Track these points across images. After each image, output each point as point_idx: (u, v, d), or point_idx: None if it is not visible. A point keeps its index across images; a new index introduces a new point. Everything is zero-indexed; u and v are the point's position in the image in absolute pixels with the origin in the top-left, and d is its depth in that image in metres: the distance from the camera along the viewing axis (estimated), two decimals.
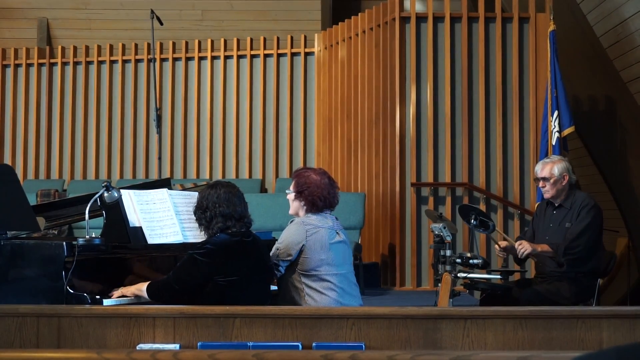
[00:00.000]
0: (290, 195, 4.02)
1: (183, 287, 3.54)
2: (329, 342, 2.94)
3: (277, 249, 3.90)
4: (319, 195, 3.94)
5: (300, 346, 2.93)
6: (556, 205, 4.88)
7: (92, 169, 9.44)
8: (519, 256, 4.73)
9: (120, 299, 3.64)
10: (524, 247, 4.66)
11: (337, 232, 3.97)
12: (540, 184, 4.88)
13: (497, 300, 4.77)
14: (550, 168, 4.83)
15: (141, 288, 3.62)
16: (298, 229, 3.89)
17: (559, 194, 4.84)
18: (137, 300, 3.66)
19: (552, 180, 4.81)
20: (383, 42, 7.79)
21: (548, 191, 4.85)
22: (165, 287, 3.57)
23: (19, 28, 10.25)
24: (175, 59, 9.37)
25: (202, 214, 3.69)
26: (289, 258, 3.86)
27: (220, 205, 3.65)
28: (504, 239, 5.02)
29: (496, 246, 4.97)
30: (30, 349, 3.02)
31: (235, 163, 9.14)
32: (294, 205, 4.01)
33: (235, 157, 9.14)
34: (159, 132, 7.97)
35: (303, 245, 3.84)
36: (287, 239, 3.90)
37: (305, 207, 3.97)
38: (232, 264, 3.57)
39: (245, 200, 3.78)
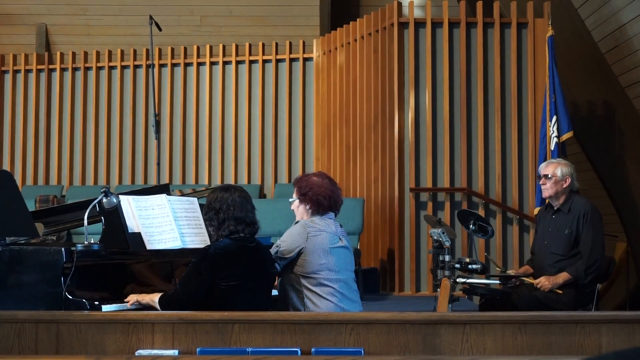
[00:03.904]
0: (295, 202, 4.04)
1: (192, 297, 3.52)
2: (328, 348, 2.94)
3: (278, 246, 3.93)
4: (322, 195, 3.96)
5: (300, 351, 2.93)
6: (555, 209, 4.90)
7: (91, 174, 9.43)
8: (544, 290, 4.75)
9: (120, 304, 3.63)
10: (543, 286, 4.69)
11: (339, 238, 3.99)
12: (541, 181, 4.93)
13: (496, 306, 4.78)
14: (554, 167, 4.88)
15: (154, 299, 3.61)
16: (300, 231, 3.92)
17: (557, 194, 4.86)
18: (136, 306, 3.65)
19: (553, 179, 4.85)
20: (382, 47, 7.80)
21: (547, 189, 4.88)
22: (175, 300, 3.55)
23: (17, 34, 10.25)
24: (173, 65, 9.37)
25: (215, 215, 3.69)
26: (288, 257, 3.89)
27: (234, 208, 3.67)
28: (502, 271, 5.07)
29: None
30: (29, 355, 3.01)
31: (234, 168, 9.14)
32: (300, 211, 4.04)
33: (234, 162, 9.14)
34: (158, 138, 7.96)
35: (303, 247, 3.87)
36: (288, 239, 3.94)
37: (310, 210, 3.99)
38: (233, 268, 3.57)
39: (254, 206, 3.80)
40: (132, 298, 3.65)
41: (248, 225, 3.70)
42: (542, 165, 5.02)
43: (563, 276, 4.70)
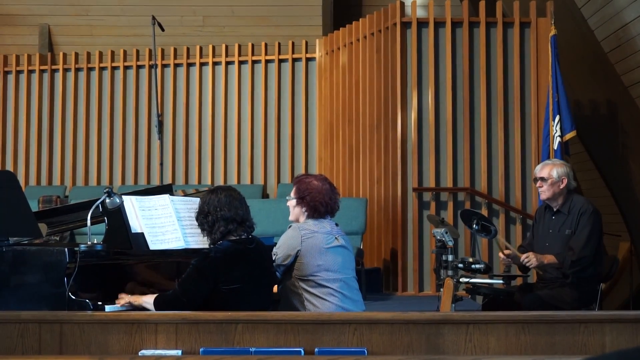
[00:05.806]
0: (292, 202, 4.03)
1: (192, 299, 3.50)
2: (332, 348, 2.94)
3: (275, 254, 3.92)
4: (320, 201, 3.95)
5: (303, 352, 2.93)
6: (554, 210, 4.88)
7: (94, 175, 9.44)
8: (529, 266, 4.73)
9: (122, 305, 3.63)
10: (530, 261, 4.66)
11: (335, 237, 3.96)
12: (538, 183, 4.89)
13: (499, 305, 4.77)
14: (549, 169, 4.84)
15: (148, 301, 3.55)
16: (294, 234, 3.91)
17: (555, 196, 4.83)
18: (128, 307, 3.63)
19: (549, 182, 4.81)
20: (384, 47, 7.80)
21: (544, 192, 4.85)
22: (174, 301, 3.49)
23: (20, 35, 10.27)
24: (176, 65, 9.38)
25: (204, 219, 3.68)
26: (285, 263, 3.88)
27: (221, 209, 3.63)
28: (507, 248, 5.01)
29: (500, 254, 4.97)
30: (33, 356, 3.02)
31: (236, 168, 9.14)
32: (295, 211, 4.02)
33: (237, 162, 9.14)
34: (161, 138, 7.97)
35: (298, 250, 3.85)
36: (283, 245, 3.92)
37: (306, 213, 3.98)
38: (235, 271, 3.56)
39: (246, 203, 3.77)
40: (124, 299, 3.59)
41: (240, 224, 3.65)
42: (538, 167, 4.96)
43: (549, 257, 4.68)
